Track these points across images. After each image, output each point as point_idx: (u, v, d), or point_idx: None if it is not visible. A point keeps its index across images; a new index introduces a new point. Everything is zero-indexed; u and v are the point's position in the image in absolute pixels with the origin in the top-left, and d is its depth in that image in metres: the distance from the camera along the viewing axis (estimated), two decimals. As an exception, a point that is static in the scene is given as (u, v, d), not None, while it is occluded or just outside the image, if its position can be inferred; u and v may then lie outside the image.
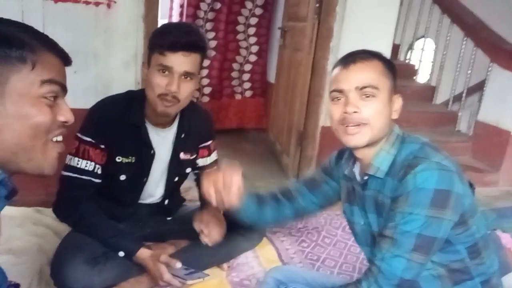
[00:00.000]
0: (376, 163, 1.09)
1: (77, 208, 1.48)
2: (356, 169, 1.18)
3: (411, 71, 3.97)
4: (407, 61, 4.18)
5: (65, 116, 0.80)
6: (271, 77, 3.66)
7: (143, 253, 1.46)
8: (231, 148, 3.32)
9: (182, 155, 1.62)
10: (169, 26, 1.52)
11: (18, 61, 0.72)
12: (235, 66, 3.73)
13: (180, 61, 1.36)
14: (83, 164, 1.47)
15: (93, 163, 1.48)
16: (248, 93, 3.82)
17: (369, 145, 1.07)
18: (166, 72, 1.37)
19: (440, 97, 3.72)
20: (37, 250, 1.72)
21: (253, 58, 3.74)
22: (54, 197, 1.53)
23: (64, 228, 1.61)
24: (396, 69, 1.12)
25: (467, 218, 1.03)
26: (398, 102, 1.11)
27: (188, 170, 1.70)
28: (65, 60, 0.82)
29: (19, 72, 0.72)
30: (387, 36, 2.61)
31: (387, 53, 2.58)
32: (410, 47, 4.35)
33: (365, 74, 1.05)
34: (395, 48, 3.82)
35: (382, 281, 1.01)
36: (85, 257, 1.41)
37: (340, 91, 1.07)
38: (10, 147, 0.73)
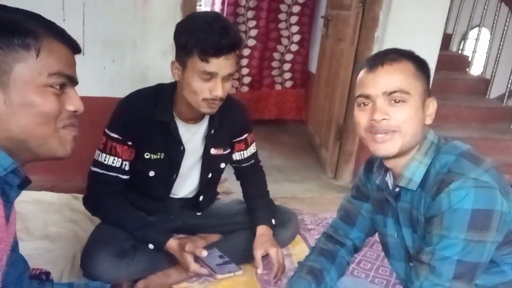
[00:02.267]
0: (407, 174, 0.99)
1: (104, 203, 1.49)
2: (389, 179, 1.09)
3: (464, 63, 3.74)
4: (459, 52, 3.94)
5: (74, 105, 0.77)
6: (313, 68, 3.56)
7: (172, 244, 1.44)
8: (269, 139, 3.28)
9: (213, 151, 1.58)
10: (202, 26, 1.30)
11: (21, 49, 0.70)
12: (276, 55, 3.65)
13: (223, 65, 1.31)
14: (110, 160, 1.46)
15: (120, 160, 1.47)
16: (288, 84, 3.74)
17: (400, 154, 0.98)
18: (209, 77, 1.32)
19: (495, 91, 3.48)
20: (72, 237, 1.76)
21: (294, 47, 3.65)
22: (88, 172, 1.53)
23: (99, 216, 1.63)
24: (429, 69, 1.01)
25: None
26: (432, 105, 1.00)
27: (223, 165, 1.66)
28: (74, 48, 0.79)
29: (24, 60, 0.71)
30: (437, 26, 2.44)
31: (437, 43, 2.43)
32: (464, 37, 4.09)
33: (393, 77, 0.95)
34: (447, 38, 3.61)
35: None
36: (114, 249, 1.41)
37: (367, 97, 0.97)
38: (18, 135, 0.72)
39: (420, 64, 0.99)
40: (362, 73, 1.01)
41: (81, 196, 2.04)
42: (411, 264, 1.06)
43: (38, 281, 1.09)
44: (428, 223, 0.95)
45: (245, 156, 1.70)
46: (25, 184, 0.80)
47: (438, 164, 0.97)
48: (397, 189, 1.04)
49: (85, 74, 2.08)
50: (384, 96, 0.95)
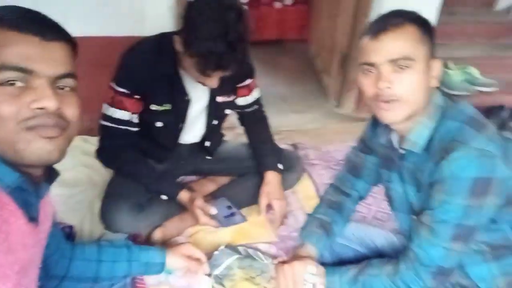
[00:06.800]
0: (412, 137, 1.02)
1: (117, 157, 1.52)
2: (394, 137, 1.12)
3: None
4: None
5: (40, 102, 0.68)
6: (315, -18, 3.35)
7: (183, 197, 1.51)
8: (270, 63, 3.22)
9: (219, 98, 1.59)
10: (206, 38, 1.21)
11: None
12: (275, -31, 3.43)
13: (220, 74, 1.32)
14: (118, 114, 1.46)
15: (128, 113, 1.47)
16: (288, 0, 3.56)
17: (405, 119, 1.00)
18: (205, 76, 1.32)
19: (503, 3, 3.33)
20: (88, 182, 1.81)
21: (294, -41, 3.41)
22: (98, 125, 1.54)
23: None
24: (434, 29, 0.99)
25: None
26: (436, 67, 1.00)
27: (228, 111, 1.67)
28: (44, 35, 0.69)
29: None
30: None
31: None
32: None
33: (398, 44, 0.94)
34: None
35: (419, 267, 1.01)
36: (132, 203, 1.49)
37: (371, 64, 0.97)
38: None
39: (424, 26, 0.97)
40: (365, 39, 0.99)
41: (90, 138, 2.08)
42: (413, 216, 1.12)
43: (71, 245, 1.16)
44: (431, 187, 0.99)
45: (249, 101, 1.71)
46: (53, 178, 0.81)
47: (443, 129, 0.99)
48: (402, 152, 1.08)
49: (79, 12, 1.97)
50: (388, 64, 0.95)
